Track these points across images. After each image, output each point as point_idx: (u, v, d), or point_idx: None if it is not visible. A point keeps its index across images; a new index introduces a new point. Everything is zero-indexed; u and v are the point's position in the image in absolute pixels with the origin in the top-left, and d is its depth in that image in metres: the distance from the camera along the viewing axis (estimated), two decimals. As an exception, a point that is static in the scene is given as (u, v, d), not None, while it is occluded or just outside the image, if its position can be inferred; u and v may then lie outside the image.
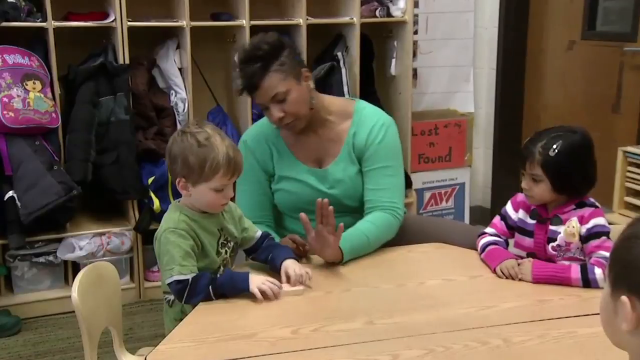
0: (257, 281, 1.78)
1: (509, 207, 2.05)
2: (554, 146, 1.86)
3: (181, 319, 1.73)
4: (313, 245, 1.98)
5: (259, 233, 2.01)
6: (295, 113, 2.12)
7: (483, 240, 2.06)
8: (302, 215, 1.95)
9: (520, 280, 1.90)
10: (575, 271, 1.86)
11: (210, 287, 1.75)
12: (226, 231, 1.91)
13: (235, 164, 1.81)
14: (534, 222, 1.98)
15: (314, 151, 2.25)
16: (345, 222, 1.94)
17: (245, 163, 2.23)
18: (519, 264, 1.93)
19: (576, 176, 1.89)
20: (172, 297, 1.86)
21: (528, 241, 1.99)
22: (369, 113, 2.27)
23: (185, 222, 1.80)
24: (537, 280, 1.88)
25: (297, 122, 2.15)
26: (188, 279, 1.75)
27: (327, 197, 2.08)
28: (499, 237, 2.06)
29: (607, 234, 1.89)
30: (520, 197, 2.03)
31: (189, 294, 1.75)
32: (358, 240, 2.06)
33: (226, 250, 1.91)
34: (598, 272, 1.83)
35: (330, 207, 1.91)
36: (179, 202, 1.89)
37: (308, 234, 1.97)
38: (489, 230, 2.09)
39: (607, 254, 1.82)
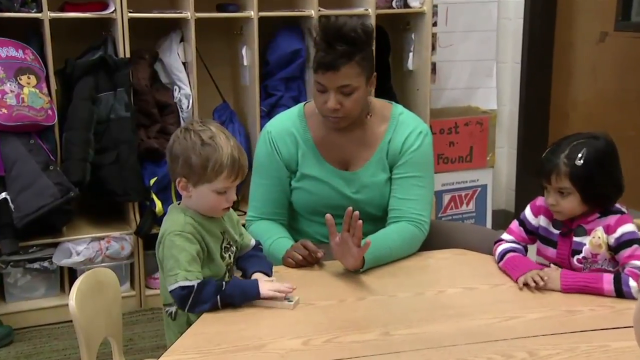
0: (269, 285, 1.79)
1: (527, 212, 2.05)
2: (579, 155, 1.85)
3: (186, 332, 1.74)
4: (335, 250, 1.99)
5: (253, 241, 2.02)
6: (350, 111, 2.14)
7: (500, 248, 2.06)
8: (329, 217, 1.96)
9: (547, 288, 1.89)
10: (608, 281, 1.85)
11: (218, 295, 1.76)
12: (228, 235, 1.92)
13: (239, 166, 1.82)
14: (558, 232, 1.97)
15: (342, 152, 2.26)
16: (364, 229, 1.94)
17: (266, 155, 2.26)
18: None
19: (606, 184, 1.89)
20: (174, 309, 1.87)
21: (551, 251, 1.99)
22: (406, 119, 2.28)
23: (191, 225, 1.81)
24: (567, 291, 1.88)
25: (344, 120, 2.17)
26: (193, 285, 1.75)
27: (350, 201, 2.09)
28: (517, 244, 2.06)
29: (638, 241, 1.88)
30: (540, 201, 2.02)
31: (194, 301, 1.75)
32: (381, 251, 2.07)
33: (230, 255, 1.92)
34: (633, 284, 1.83)
35: (360, 221, 1.91)
36: (179, 203, 1.89)
37: (332, 238, 1.98)
38: (505, 236, 2.08)
39: (642, 263, 1.82)
